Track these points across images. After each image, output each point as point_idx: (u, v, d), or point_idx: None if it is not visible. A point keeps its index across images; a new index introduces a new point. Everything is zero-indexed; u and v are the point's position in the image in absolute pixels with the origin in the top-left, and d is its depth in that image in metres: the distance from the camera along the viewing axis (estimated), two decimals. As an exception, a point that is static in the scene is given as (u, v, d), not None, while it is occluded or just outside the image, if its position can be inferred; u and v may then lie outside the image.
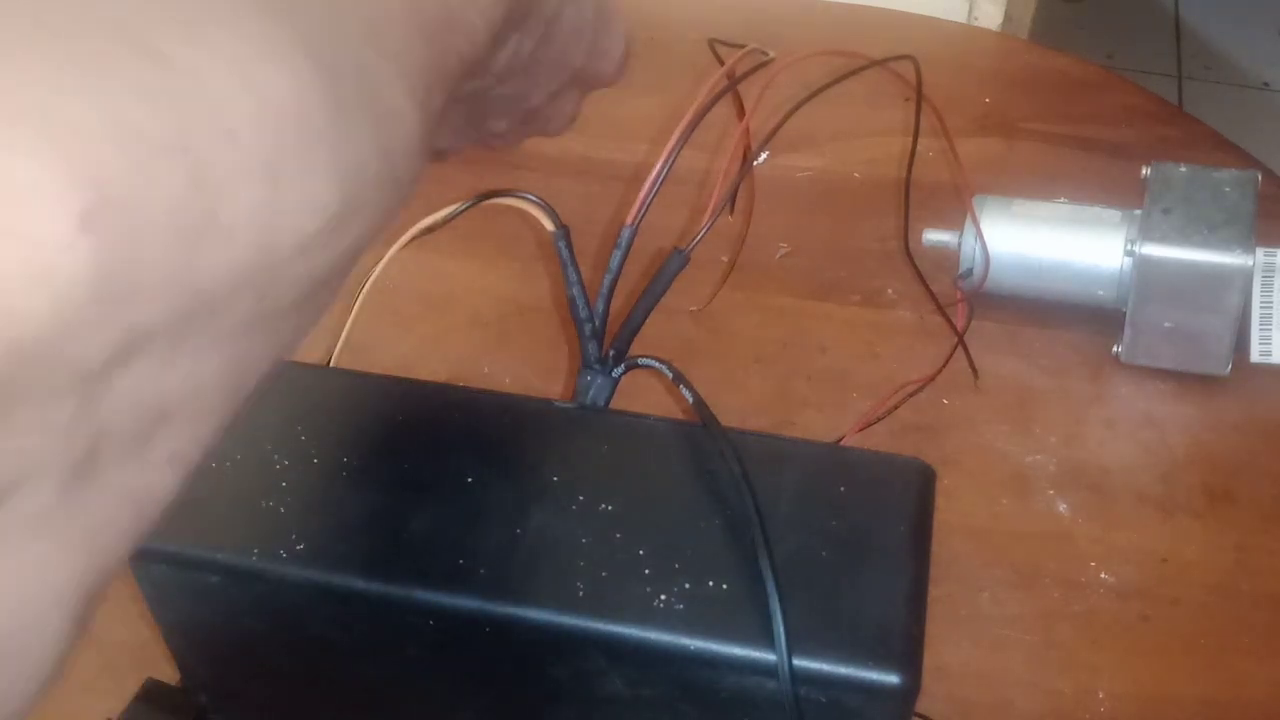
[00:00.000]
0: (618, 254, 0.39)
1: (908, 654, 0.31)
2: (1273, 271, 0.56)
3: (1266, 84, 2.13)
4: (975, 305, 0.59)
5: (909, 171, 0.64)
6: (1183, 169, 0.56)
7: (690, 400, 0.36)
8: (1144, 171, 0.57)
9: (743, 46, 0.44)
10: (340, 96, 0.21)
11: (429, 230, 0.41)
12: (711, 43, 0.70)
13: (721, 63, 0.70)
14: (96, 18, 0.18)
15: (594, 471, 0.36)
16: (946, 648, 0.47)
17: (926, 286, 0.62)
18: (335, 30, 0.21)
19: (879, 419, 0.55)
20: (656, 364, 0.39)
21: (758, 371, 0.59)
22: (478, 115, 0.38)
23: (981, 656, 0.47)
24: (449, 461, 0.36)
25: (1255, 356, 0.56)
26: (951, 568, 0.50)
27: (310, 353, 0.41)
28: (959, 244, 0.60)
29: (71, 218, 0.16)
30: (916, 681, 0.31)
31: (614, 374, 0.39)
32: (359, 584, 0.33)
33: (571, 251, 0.39)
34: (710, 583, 0.33)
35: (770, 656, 0.31)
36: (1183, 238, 0.54)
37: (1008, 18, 0.96)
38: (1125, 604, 0.49)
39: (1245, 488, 0.53)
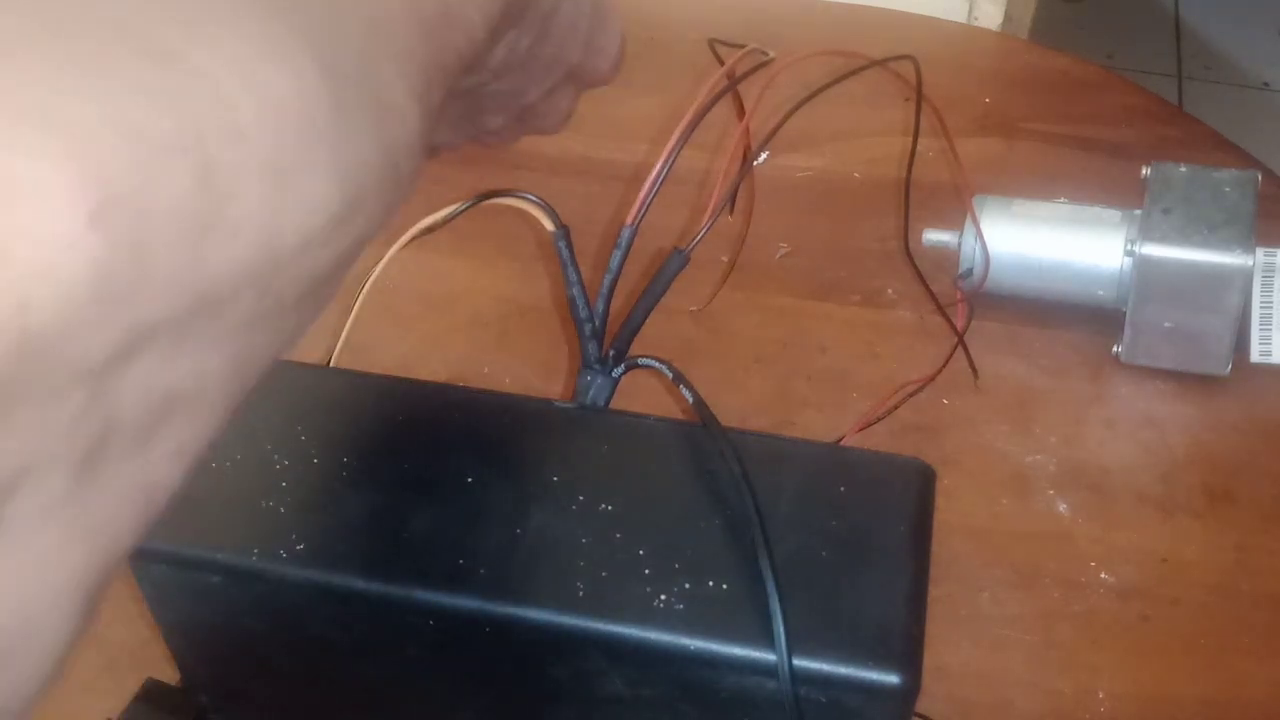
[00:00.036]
0: (618, 254, 0.39)
1: (908, 654, 0.31)
2: (1273, 271, 0.56)
3: (1266, 84, 2.13)
4: (975, 305, 0.59)
5: (909, 171, 0.64)
6: (1183, 169, 0.56)
7: (690, 400, 0.36)
8: (1144, 171, 0.57)
9: (743, 46, 0.44)
10: (342, 95, 0.21)
11: (429, 230, 0.41)
12: (711, 43, 0.70)
13: (721, 63, 0.70)
14: (97, 18, 0.18)
15: (594, 471, 0.36)
16: (946, 648, 0.47)
17: (926, 286, 0.62)
18: (336, 29, 0.22)
19: (879, 419, 0.55)
20: (656, 364, 0.39)
21: (758, 371, 0.59)
22: (474, 111, 0.38)
23: (981, 656, 0.47)
24: (449, 461, 0.36)
25: (1255, 356, 0.57)
26: (951, 568, 0.50)
27: (310, 353, 0.41)
28: (959, 244, 0.60)
29: (79, 214, 0.16)
30: (916, 681, 0.31)
31: (614, 374, 0.39)
32: (359, 584, 0.33)
33: (571, 251, 0.39)
34: (710, 583, 0.33)
35: (770, 656, 0.31)
36: (1183, 238, 0.54)
37: (1008, 18, 0.96)
38: (1125, 604, 0.49)
39: (1245, 488, 0.53)
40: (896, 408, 0.56)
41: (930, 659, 0.32)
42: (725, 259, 0.63)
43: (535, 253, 0.65)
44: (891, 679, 0.31)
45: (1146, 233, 0.54)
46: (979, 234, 0.59)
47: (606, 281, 0.39)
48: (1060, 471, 0.54)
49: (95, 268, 0.16)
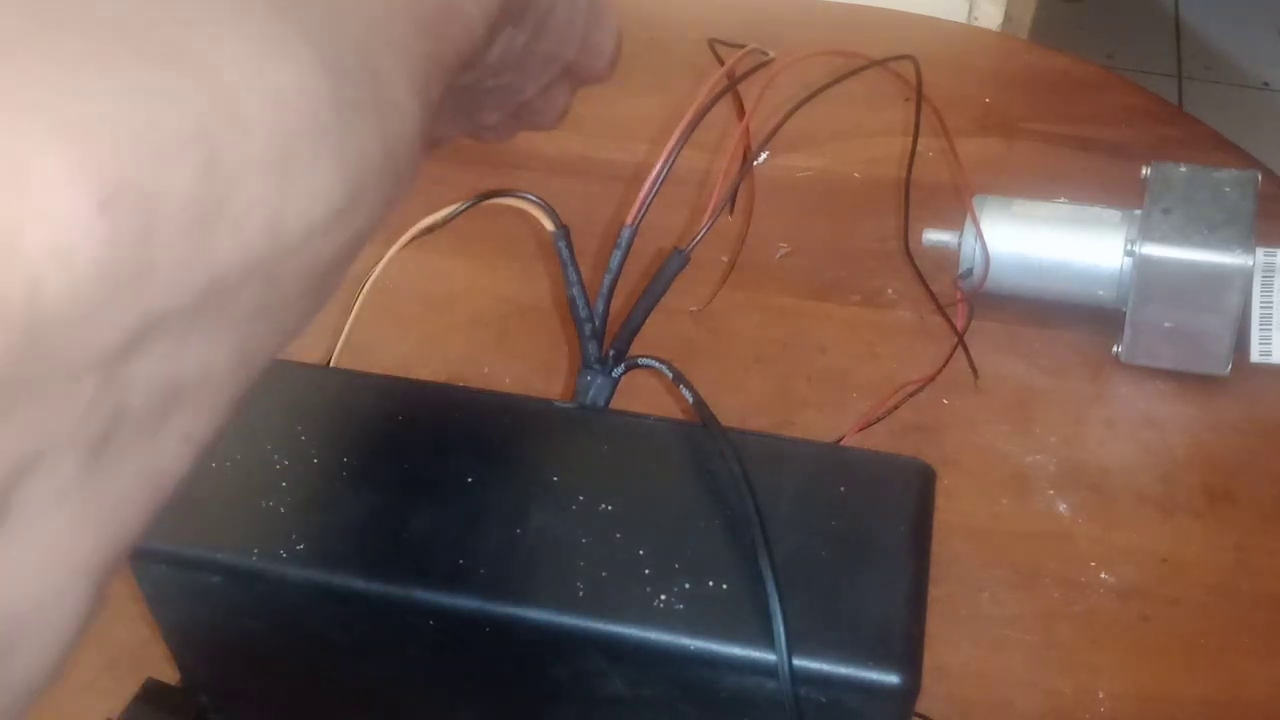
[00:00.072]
0: (618, 254, 0.39)
1: (908, 654, 0.31)
2: (1273, 271, 0.56)
3: (1266, 84, 2.13)
4: (975, 305, 0.59)
5: (909, 171, 0.64)
6: (1183, 169, 0.56)
7: (690, 400, 0.36)
8: (1144, 171, 0.57)
9: (743, 46, 0.44)
10: (342, 89, 0.21)
11: (429, 230, 0.41)
12: (711, 43, 0.70)
13: (721, 63, 0.70)
14: (97, 18, 0.18)
15: (594, 471, 0.36)
16: (946, 648, 0.47)
17: (926, 286, 0.62)
18: (337, 24, 0.22)
19: (879, 419, 0.55)
20: (656, 364, 0.39)
21: (758, 371, 0.59)
22: (470, 107, 0.38)
23: (981, 656, 0.47)
24: (449, 461, 0.36)
25: (1255, 356, 0.57)
26: (951, 568, 0.50)
27: (310, 353, 0.41)
28: (959, 244, 0.60)
29: (90, 202, 0.16)
30: (916, 681, 0.31)
31: (614, 374, 0.39)
32: (359, 584, 0.33)
33: (571, 251, 0.39)
34: (710, 583, 0.33)
35: (770, 656, 0.31)
36: (1183, 238, 0.54)
37: (1008, 18, 0.96)
38: (1125, 604, 0.49)
39: (1245, 488, 0.53)
40: (896, 408, 0.56)
41: (930, 659, 0.32)
42: (725, 259, 0.63)
43: (535, 253, 0.65)
44: (891, 679, 0.31)
45: (1146, 233, 0.54)
46: (979, 234, 0.59)
47: (606, 281, 0.39)
48: (1060, 471, 0.54)
49: (106, 255, 0.17)
